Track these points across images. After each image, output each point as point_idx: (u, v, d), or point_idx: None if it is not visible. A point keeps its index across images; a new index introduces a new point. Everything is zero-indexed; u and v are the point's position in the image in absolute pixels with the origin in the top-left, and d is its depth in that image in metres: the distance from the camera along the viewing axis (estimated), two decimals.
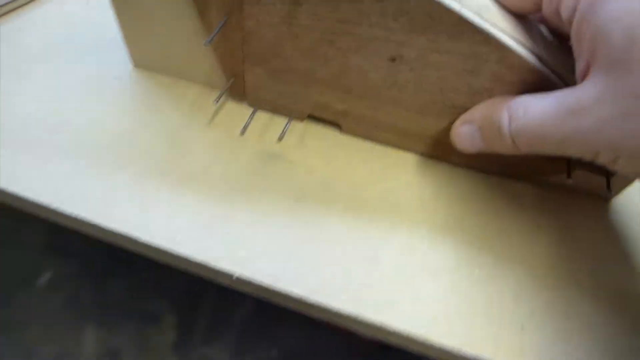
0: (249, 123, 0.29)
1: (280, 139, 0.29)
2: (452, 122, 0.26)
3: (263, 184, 0.27)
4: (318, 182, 0.28)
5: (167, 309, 0.62)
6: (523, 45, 0.21)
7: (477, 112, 0.24)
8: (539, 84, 0.22)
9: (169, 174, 0.27)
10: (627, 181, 0.27)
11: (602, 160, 0.19)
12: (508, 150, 0.22)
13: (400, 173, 0.28)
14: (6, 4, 0.35)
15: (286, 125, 0.29)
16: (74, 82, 0.31)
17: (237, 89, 0.29)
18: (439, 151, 0.28)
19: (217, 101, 0.29)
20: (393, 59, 0.23)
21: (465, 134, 0.24)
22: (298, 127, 0.30)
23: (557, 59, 0.22)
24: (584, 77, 0.19)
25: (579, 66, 0.20)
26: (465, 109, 0.25)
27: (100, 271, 0.66)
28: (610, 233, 0.28)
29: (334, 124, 0.30)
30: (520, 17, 0.23)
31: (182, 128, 0.29)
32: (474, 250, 0.26)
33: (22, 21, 0.35)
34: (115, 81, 0.32)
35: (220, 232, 0.25)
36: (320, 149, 0.29)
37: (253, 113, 0.29)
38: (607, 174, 0.25)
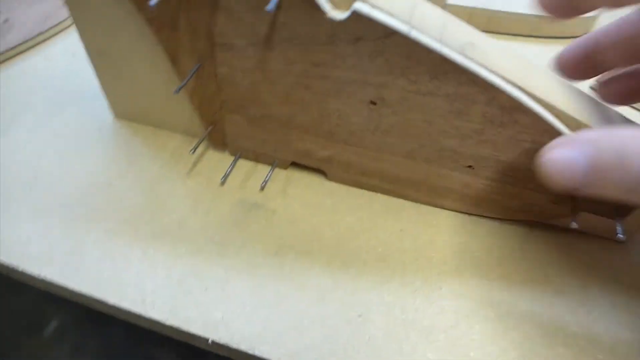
0: (230, 172, 0.27)
1: (262, 187, 0.27)
2: (442, 166, 0.24)
3: (242, 236, 0.25)
4: (301, 232, 0.26)
5: (172, 357, 0.60)
6: (515, 84, 0.20)
7: (591, 135, 0.18)
8: (533, 126, 0.20)
9: (143, 228, 0.25)
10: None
11: None
12: (619, 190, 0.17)
13: (390, 221, 0.27)
14: None
15: (269, 173, 0.27)
16: (53, 135, 0.31)
17: (217, 137, 0.28)
18: (431, 196, 0.27)
19: (194, 151, 0.27)
20: (374, 102, 0.22)
21: (563, 160, 0.18)
22: (281, 174, 0.28)
23: (570, 101, 0.21)
24: None
25: None
26: (456, 152, 0.23)
27: (104, 319, 0.64)
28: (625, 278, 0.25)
29: (319, 172, 0.28)
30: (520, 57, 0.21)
31: (161, 179, 0.28)
32: (474, 303, 0.23)
33: (7, 74, 0.35)
34: (95, 132, 0.31)
35: (195, 291, 0.23)
36: (305, 197, 0.27)
37: (234, 161, 0.28)
38: (616, 215, 0.23)
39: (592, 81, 0.26)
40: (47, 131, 0.31)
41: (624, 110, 0.31)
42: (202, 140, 0.27)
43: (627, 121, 0.23)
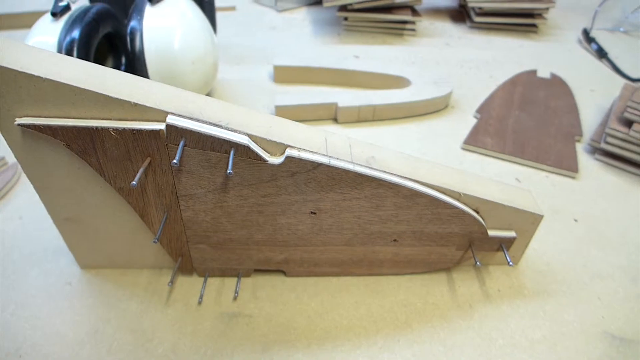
0: (204, 292, 0.32)
1: (235, 298, 0.32)
2: (374, 245, 0.31)
3: (231, 344, 0.30)
4: (279, 327, 0.31)
5: None
6: (409, 178, 0.28)
7: None
8: (429, 203, 0.28)
9: None
10: (521, 250, 0.33)
11: None
12: None
13: (345, 297, 0.33)
14: None
15: (237, 284, 0.32)
16: (23, 300, 0.33)
17: (185, 265, 0.33)
18: (371, 269, 0.33)
19: (171, 283, 0.31)
20: (314, 212, 0.29)
21: None
22: (248, 282, 0.34)
23: (447, 178, 0.29)
24: None
25: None
26: (382, 233, 0.30)
27: None
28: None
29: (279, 271, 0.34)
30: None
31: (142, 314, 0.32)
32: (427, 345, 0.30)
33: None
34: (66, 287, 0.34)
35: None
36: (272, 296, 0.33)
37: (205, 282, 0.33)
38: (503, 249, 0.32)
39: None
40: (17, 298, 0.33)
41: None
42: (176, 272, 0.32)
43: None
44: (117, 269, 0.35)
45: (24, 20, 0.80)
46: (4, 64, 0.22)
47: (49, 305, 0.32)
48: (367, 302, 0.32)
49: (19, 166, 0.45)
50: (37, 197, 0.41)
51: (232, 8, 0.88)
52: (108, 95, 0.24)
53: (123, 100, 0.24)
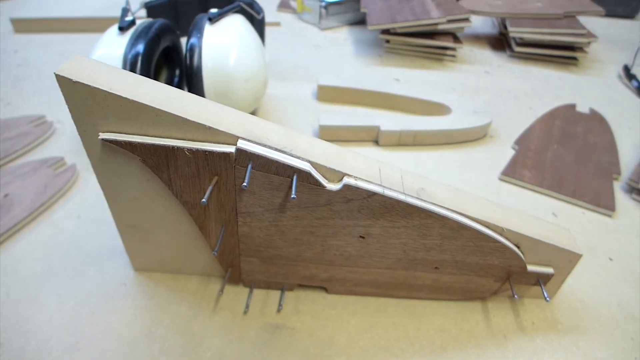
0: (250, 302, 0.34)
1: (279, 310, 0.34)
2: (416, 270, 0.33)
3: (274, 354, 0.31)
4: (319, 341, 0.32)
5: None
6: (456, 211, 0.29)
7: None
8: (473, 236, 0.30)
9: None
10: (557, 286, 0.34)
11: None
12: None
13: (383, 318, 0.34)
14: (0, 235, 0.40)
15: (281, 297, 0.34)
16: (82, 297, 0.35)
17: (234, 275, 0.35)
18: (410, 292, 0.35)
19: (222, 291, 0.33)
20: (363, 237, 0.30)
21: None
22: (291, 296, 0.35)
23: (492, 213, 0.30)
24: None
25: None
26: (425, 260, 0.32)
27: None
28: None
29: (321, 288, 0.35)
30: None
31: (192, 319, 0.34)
32: None
33: (21, 246, 0.39)
34: (121, 287, 0.36)
35: None
36: (314, 311, 0.34)
37: (250, 292, 0.35)
38: (540, 283, 0.33)
39: None
40: (77, 294, 0.35)
41: None
42: (226, 281, 0.34)
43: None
44: (167, 273, 0.37)
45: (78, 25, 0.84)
46: (97, 85, 0.25)
47: (106, 303, 0.35)
48: (404, 324, 0.34)
49: (77, 167, 0.48)
50: (93, 198, 0.44)
51: (278, 24, 0.91)
52: (186, 118, 0.26)
53: (199, 123, 0.26)
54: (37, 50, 0.77)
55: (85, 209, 0.43)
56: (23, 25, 0.83)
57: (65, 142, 0.53)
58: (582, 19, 0.95)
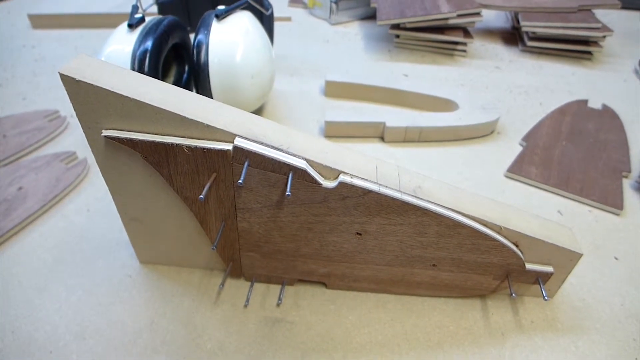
0: (250, 296, 0.35)
1: (279, 304, 0.34)
2: (413, 267, 0.33)
3: (273, 348, 0.32)
4: (317, 336, 0.33)
5: None
6: (453, 209, 0.29)
7: None
8: (470, 234, 0.30)
9: (191, 357, 0.32)
10: (558, 284, 0.34)
11: None
12: None
13: (381, 314, 0.34)
14: (14, 226, 0.41)
15: (281, 291, 0.35)
16: (89, 288, 0.36)
17: (234, 269, 0.35)
18: (408, 289, 0.35)
19: (223, 285, 0.34)
20: (359, 234, 0.31)
21: None
22: (291, 290, 0.36)
23: (489, 211, 0.30)
24: None
25: None
26: (422, 257, 0.32)
27: None
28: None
29: (320, 283, 0.36)
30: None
31: (194, 311, 0.35)
32: None
33: (33, 237, 0.41)
34: (127, 279, 0.37)
35: None
36: (313, 306, 0.35)
37: (251, 286, 0.35)
38: (539, 282, 0.32)
39: None
40: (84, 284, 0.37)
41: None
42: (227, 275, 0.35)
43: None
44: (172, 266, 0.38)
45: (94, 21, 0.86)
46: (99, 84, 0.26)
47: (112, 294, 0.36)
48: (402, 320, 0.34)
49: (88, 161, 0.49)
50: (102, 192, 0.46)
51: (288, 19, 0.91)
52: (185, 116, 0.27)
53: (197, 121, 0.27)
54: (53, 45, 0.79)
55: (95, 202, 0.44)
56: (40, 21, 0.85)
57: (78, 136, 0.54)
58: (598, 12, 0.93)
